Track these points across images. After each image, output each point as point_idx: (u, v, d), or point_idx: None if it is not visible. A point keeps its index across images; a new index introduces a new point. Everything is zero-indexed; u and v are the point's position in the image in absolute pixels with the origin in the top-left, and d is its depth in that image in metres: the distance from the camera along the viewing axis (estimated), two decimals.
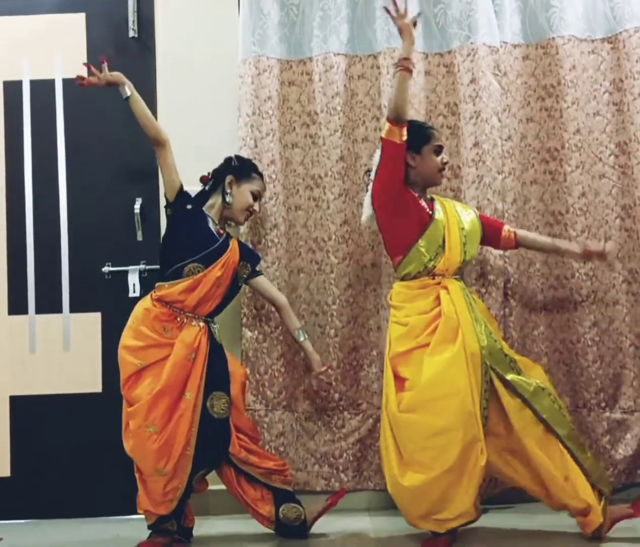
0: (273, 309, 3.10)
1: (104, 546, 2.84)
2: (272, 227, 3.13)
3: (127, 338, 2.67)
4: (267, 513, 2.73)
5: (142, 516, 2.71)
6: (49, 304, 3.24)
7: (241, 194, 2.84)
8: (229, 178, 2.83)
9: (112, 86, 2.76)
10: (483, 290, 3.09)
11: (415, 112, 3.13)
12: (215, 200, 2.84)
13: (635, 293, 3.13)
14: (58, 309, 3.24)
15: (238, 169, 2.86)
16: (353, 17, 3.22)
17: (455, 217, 2.76)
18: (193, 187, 2.99)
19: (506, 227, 2.89)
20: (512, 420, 2.54)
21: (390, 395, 2.59)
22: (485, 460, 2.49)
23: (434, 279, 2.68)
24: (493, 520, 2.84)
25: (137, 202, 3.18)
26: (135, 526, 2.89)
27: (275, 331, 3.12)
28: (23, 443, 3.20)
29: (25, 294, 3.24)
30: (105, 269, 3.21)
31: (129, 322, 2.71)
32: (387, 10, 2.70)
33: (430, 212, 2.72)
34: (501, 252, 3.11)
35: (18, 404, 3.21)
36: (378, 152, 2.77)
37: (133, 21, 3.25)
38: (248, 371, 3.07)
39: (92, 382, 3.21)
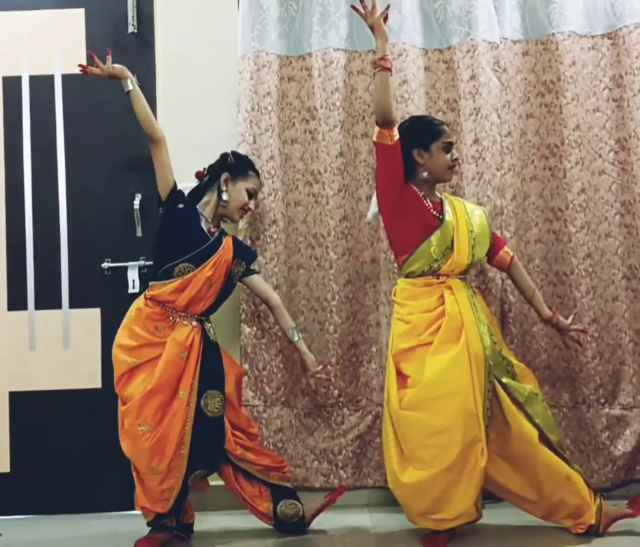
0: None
1: (104, 541, 2.84)
2: (271, 223, 3.13)
3: (121, 337, 2.67)
4: (266, 510, 2.73)
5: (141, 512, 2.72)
6: (48, 300, 3.24)
7: (237, 191, 2.82)
8: (224, 175, 2.81)
9: (114, 79, 2.75)
10: (482, 286, 3.09)
11: (415, 108, 3.13)
12: (210, 198, 2.83)
13: (635, 289, 3.13)
14: (57, 305, 3.24)
15: (234, 166, 2.84)
16: (352, 12, 3.19)
17: (465, 218, 2.73)
18: (189, 183, 2.98)
19: (506, 248, 2.86)
20: (510, 421, 2.55)
21: (392, 391, 2.59)
22: (486, 461, 2.49)
23: (438, 278, 2.67)
24: (489, 516, 2.83)
25: (136, 198, 3.18)
26: (135, 522, 2.89)
27: (274, 327, 3.11)
28: (22, 439, 3.21)
29: (24, 289, 3.24)
30: (105, 265, 3.21)
31: (123, 321, 2.71)
32: (356, 9, 2.68)
33: (436, 212, 2.70)
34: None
35: (17, 400, 3.21)
36: None
37: (132, 17, 3.24)
38: (247, 367, 3.07)
39: (91, 378, 3.21)
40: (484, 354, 2.55)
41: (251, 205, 2.87)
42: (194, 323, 2.68)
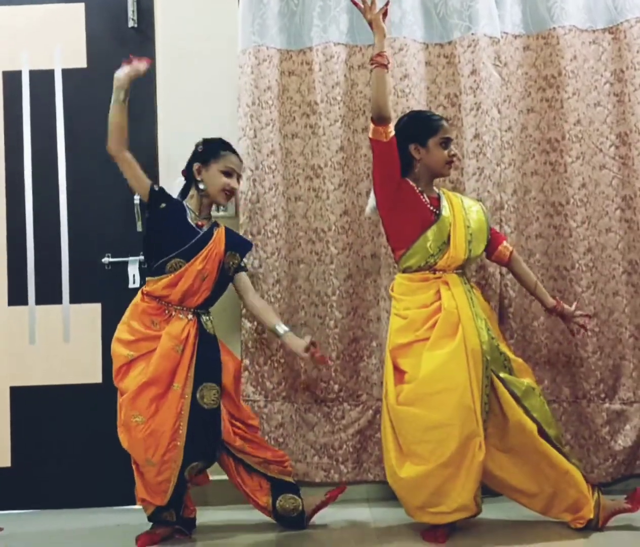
0: (273, 299, 3.10)
1: (105, 535, 2.84)
2: (272, 218, 3.13)
3: (120, 332, 2.69)
4: (265, 504, 2.74)
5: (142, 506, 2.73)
6: (48, 294, 3.24)
7: (211, 177, 2.77)
8: (195, 165, 2.79)
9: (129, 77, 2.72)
10: (482, 281, 3.09)
11: (416, 102, 3.13)
12: (193, 191, 2.82)
13: (635, 284, 3.13)
14: (58, 300, 3.24)
15: (203, 153, 2.80)
16: (353, 7, 3.18)
17: (462, 213, 2.73)
18: None
19: (505, 243, 2.87)
20: (508, 414, 2.55)
21: (390, 387, 2.60)
22: (484, 455, 2.50)
23: (435, 273, 2.68)
24: (489, 511, 2.82)
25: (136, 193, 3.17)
26: (135, 516, 2.90)
27: None
28: (23, 434, 3.21)
29: (25, 284, 3.24)
30: (105, 260, 3.21)
31: (123, 317, 2.72)
32: (355, 3, 2.67)
33: (433, 208, 2.70)
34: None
35: (18, 394, 3.22)
36: None
37: (133, 11, 3.24)
38: (247, 362, 3.08)
39: (92, 373, 3.21)
40: (481, 349, 2.55)
41: (233, 184, 2.79)
42: (190, 316, 2.69)
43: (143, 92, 3.24)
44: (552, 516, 2.65)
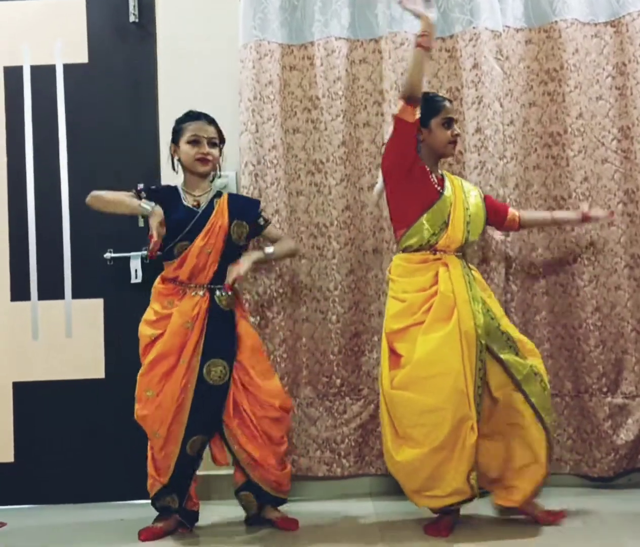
0: (275, 294, 3.10)
1: (108, 530, 2.85)
2: (274, 213, 3.13)
3: (146, 314, 2.75)
4: (237, 479, 2.76)
5: (145, 501, 2.75)
6: (51, 290, 3.24)
7: (183, 152, 2.75)
8: (172, 148, 2.81)
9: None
10: (485, 276, 3.08)
11: None
12: (182, 173, 2.82)
13: (637, 278, 3.13)
14: (60, 295, 3.24)
15: (173, 133, 2.80)
16: (354, 1, 3.20)
17: (462, 196, 2.75)
18: None
19: (511, 210, 2.93)
20: (497, 395, 2.56)
21: (384, 371, 2.60)
22: (476, 438, 2.50)
23: (435, 254, 2.67)
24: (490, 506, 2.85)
25: (138, 188, 3.17)
26: (138, 511, 2.90)
27: (277, 317, 3.12)
28: (26, 429, 3.22)
29: (27, 280, 3.25)
30: (107, 255, 3.21)
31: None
32: None
33: (439, 188, 2.71)
34: (503, 237, 3.11)
35: (21, 390, 3.22)
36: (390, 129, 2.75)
37: (134, 5, 3.23)
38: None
39: (94, 368, 3.22)
40: (476, 333, 2.54)
41: (202, 149, 2.72)
42: (201, 292, 2.70)
43: (144, 85, 3.25)
44: (485, 485, 2.65)
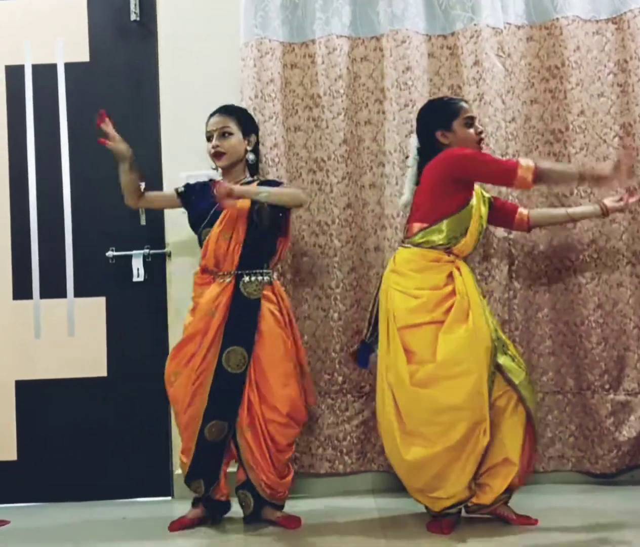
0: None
1: (110, 528, 2.85)
2: None
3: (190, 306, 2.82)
4: (239, 477, 2.76)
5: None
6: (53, 288, 3.24)
7: (207, 150, 2.85)
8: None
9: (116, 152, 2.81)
10: (486, 273, 3.09)
11: (419, 94, 3.12)
12: None
13: (639, 275, 3.12)
14: (62, 294, 3.25)
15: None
16: None
17: (479, 205, 2.75)
18: (195, 172, 3.04)
19: (520, 209, 2.92)
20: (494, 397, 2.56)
21: (401, 366, 2.55)
22: (487, 441, 2.50)
23: (448, 256, 2.66)
24: None
25: (140, 186, 3.17)
26: (141, 509, 2.91)
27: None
28: (29, 427, 3.22)
29: (29, 279, 3.25)
30: (109, 253, 3.21)
31: None
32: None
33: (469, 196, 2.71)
34: (505, 234, 3.11)
35: (23, 388, 3.23)
36: (415, 137, 2.81)
37: (135, 4, 3.23)
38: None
39: (97, 367, 3.22)
40: (490, 336, 2.56)
41: (213, 144, 2.78)
42: (228, 279, 2.71)
43: (146, 84, 3.26)
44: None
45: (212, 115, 2.84)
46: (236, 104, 3.13)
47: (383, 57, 3.17)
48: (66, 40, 3.27)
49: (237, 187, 2.65)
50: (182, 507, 2.84)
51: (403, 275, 2.65)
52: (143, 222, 3.20)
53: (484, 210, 2.79)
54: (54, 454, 3.21)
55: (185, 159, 3.15)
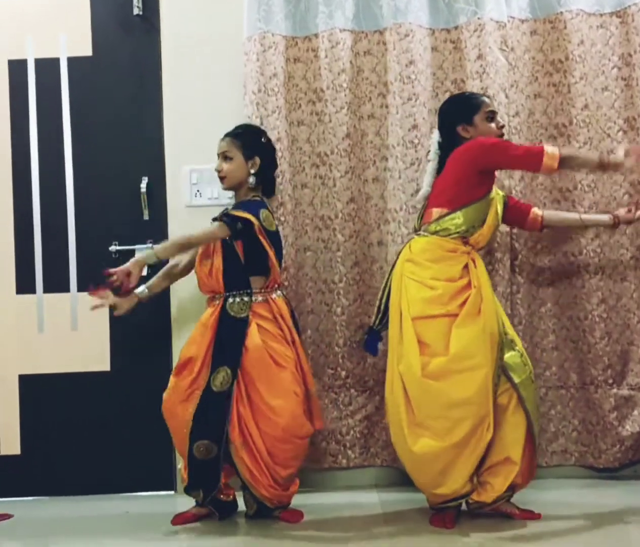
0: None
1: (113, 522, 2.86)
2: (279, 206, 3.13)
3: None
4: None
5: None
6: (56, 283, 3.24)
7: None
8: None
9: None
10: (490, 267, 3.08)
11: (422, 88, 3.12)
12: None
13: None
14: (65, 288, 3.25)
15: None
16: None
17: (496, 200, 2.78)
18: (196, 165, 3.04)
19: (534, 209, 2.94)
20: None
21: (413, 358, 2.53)
22: (491, 436, 2.50)
23: (465, 246, 2.65)
24: None
25: (143, 181, 3.18)
26: (144, 504, 2.92)
27: None
28: (32, 421, 3.23)
29: (32, 273, 3.25)
30: (112, 248, 3.21)
31: None
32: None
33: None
34: (508, 229, 3.10)
35: (27, 383, 3.23)
36: (436, 131, 2.82)
37: None
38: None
39: (100, 361, 3.22)
40: (499, 332, 2.56)
41: (216, 166, 2.82)
42: (217, 302, 2.73)
43: (149, 78, 3.25)
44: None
45: (222, 139, 2.85)
46: (239, 98, 3.13)
47: (386, 51, 3.16)
48: (69, 35, 3.27)
49: (131, 264, 2.70)
50: (185, 501, 2.84)
51: (419, 264, 2.64)
52: (146, 216, 3.19)
53: (499, 207, 2.81)
54: (57, 449, 3.21)
55: (188, 153, 3.15)
